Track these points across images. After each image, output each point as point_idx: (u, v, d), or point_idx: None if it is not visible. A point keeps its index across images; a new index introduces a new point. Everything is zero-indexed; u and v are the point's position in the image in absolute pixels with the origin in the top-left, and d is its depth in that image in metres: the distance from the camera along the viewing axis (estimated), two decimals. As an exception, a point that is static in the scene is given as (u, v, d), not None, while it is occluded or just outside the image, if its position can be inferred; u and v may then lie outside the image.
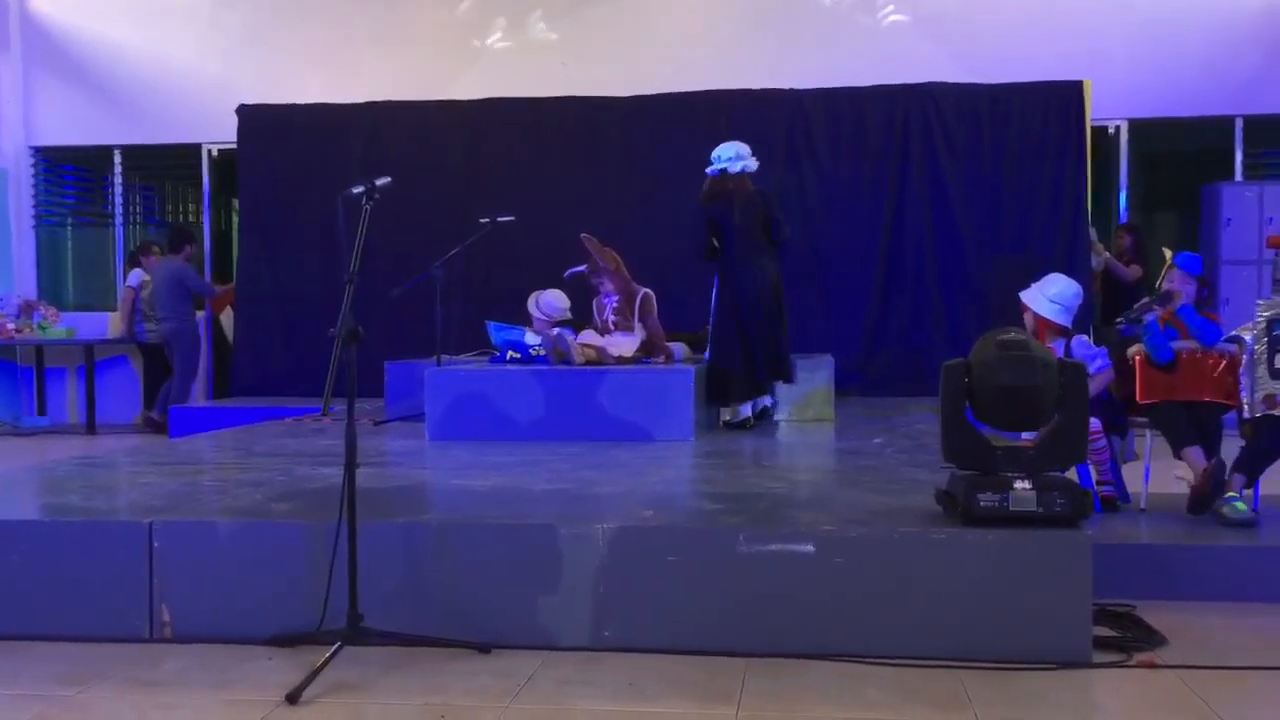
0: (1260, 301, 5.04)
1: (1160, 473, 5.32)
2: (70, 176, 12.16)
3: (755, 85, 9.92)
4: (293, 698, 3.30)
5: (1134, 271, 9.65)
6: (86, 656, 3.74)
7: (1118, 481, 5.26)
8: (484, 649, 3.70)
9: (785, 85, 9.92)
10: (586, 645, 3.75)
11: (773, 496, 4.58)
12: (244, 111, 10.48)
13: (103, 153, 11.64)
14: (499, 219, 7.96)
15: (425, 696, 3.36)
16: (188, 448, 6.56)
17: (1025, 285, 5.47)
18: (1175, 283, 5.22)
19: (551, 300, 7.48)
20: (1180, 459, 5.06)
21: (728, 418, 7.19)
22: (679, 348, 7.42)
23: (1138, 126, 10.44)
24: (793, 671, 3.55)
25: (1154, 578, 4.36)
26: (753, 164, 7.14)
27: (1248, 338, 5.02)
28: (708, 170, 7.15)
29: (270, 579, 3.88)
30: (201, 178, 11.50)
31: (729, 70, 10.10)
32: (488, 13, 10.94)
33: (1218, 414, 5.16)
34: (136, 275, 10.83)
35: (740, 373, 7.05)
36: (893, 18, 10.51)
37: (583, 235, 7.24)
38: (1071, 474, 4.38)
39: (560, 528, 3.85)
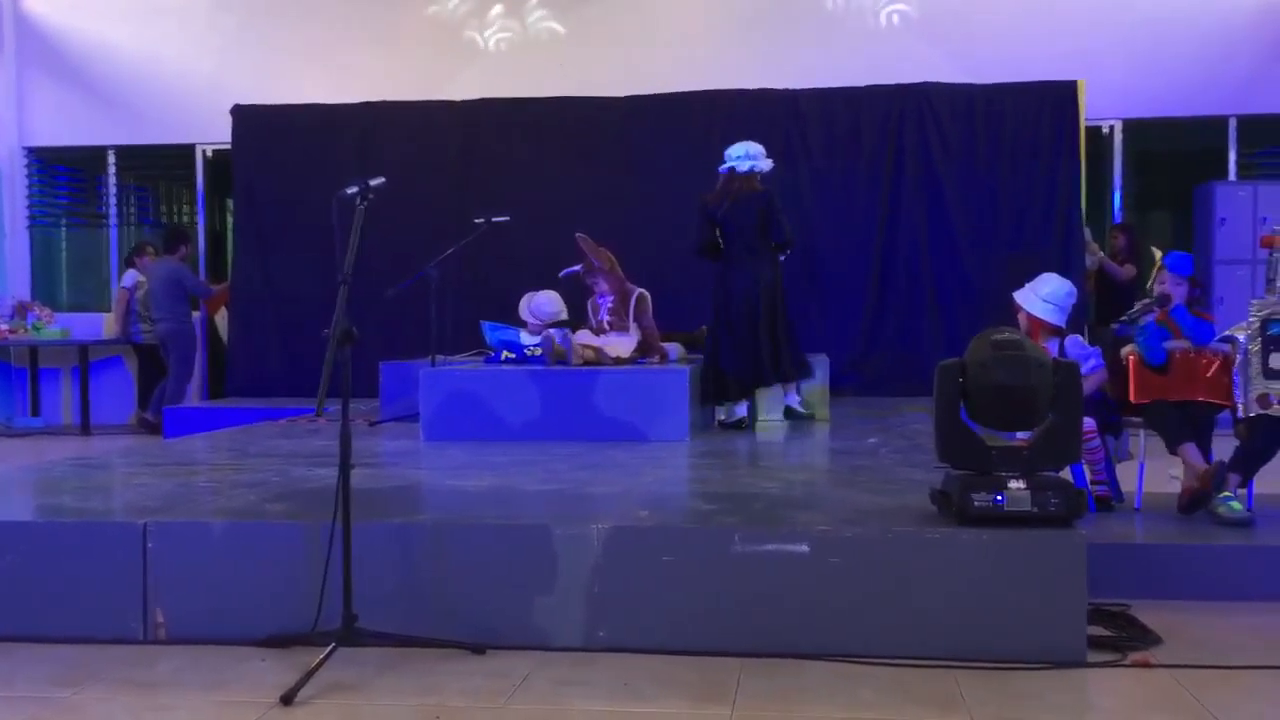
0: (1254, 301, 5.02)
1: (1155, 472, 5.32)
2: (64, 177, 12.15)
3: (751, 85, 9.93)
4: (287, 699, 3.30)
5: (1128, 271, 9.67)
6: (81, 658, 3.73)
7: (1112, 481, 5.26)
8: (479, 649, 3.69)
9: (781, 85, 9.93)
10: (581, 645, 3.75)
11: (768, 496, 4.57)
12: (239, 112, 10.46)
13: (97, 153, 11.64)
14: (494, 219, 7.96)
15: (420, 697, 3.36)
16: (182, 448, 6.55)
17: (1020, 285, 5.47)
18: (1166, 285, 5.22)
19: (544, 303, 7.41)
20: (1175, 454, 5.06)
21: (722, 417, 7.19)
22: (674, 348, 7.40)
23: (1132, 126, 10.47)
24: (788, 671, 3.54)
25: (1149, 577, 4.36)
26: (764, 164, 7.10)
27: (1241, 337, 5.02)
28: (719, 169, 7.16)
29: (265, 580, 3.87)
30: (196, 178, 11.50)
31: (726, 70, 10.12)
32: (484, 12, 10.94)
33: (1211, 413, 5.16)
34: (131, 276, 10.83)
35: (733, 373, 7.06)
36: (888, 18, 10.53)
37: (578, 235, 7.22)
38: (1066, 473, 4.39)
39: (555, 528, 3.85)
